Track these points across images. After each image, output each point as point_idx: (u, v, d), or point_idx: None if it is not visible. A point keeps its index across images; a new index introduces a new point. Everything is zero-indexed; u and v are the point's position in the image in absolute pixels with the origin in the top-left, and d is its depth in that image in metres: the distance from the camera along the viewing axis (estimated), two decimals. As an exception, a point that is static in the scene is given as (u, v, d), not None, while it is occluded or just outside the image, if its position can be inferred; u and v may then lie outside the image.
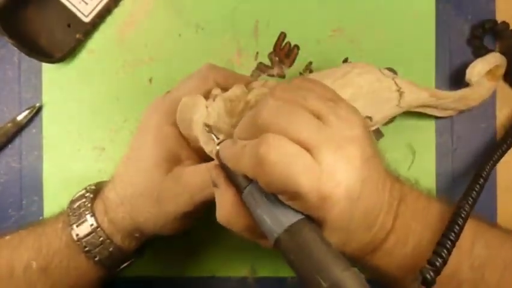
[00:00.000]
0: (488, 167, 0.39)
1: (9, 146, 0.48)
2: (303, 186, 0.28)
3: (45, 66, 0.48)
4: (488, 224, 0.38)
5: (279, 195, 0.29)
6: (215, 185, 0.33)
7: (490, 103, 0.46)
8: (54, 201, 0.47)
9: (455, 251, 0.33)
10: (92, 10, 0.47)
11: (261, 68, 0.47)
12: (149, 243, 0.43)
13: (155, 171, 0.38)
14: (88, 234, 0.39)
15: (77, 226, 0.39)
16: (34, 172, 0.48)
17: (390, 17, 0.47)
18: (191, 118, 0.38)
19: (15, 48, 0.46)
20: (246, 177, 0.31)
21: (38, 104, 0.48)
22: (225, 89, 0.38)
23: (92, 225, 0.39)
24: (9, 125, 0.48)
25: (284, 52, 0.47)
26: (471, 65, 0.44)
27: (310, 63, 0.47)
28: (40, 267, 0.39)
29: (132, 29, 0.48)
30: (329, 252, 0.28)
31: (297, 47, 0.47)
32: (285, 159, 0.28)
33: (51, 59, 0.47)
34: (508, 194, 0.46)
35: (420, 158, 0.46)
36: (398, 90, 0.41)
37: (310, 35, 0.47)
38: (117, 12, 0.48)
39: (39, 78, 0.48)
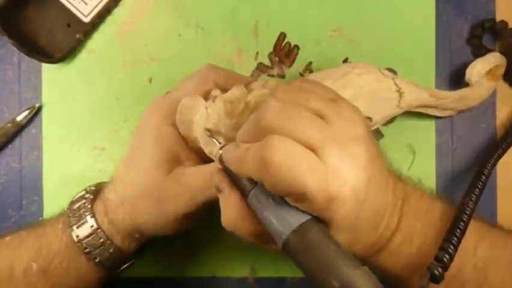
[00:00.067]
0: (490, 164, 0.39)
1: (9, 146, 0.48)
2: (310, 187, 0.28)
3: (45, 66, 0.48)
4: (490, 224, 0.38)
5: (285, 197, 0.29)
6: (219, 190, 0.33)
7: (490, 103, 0.46)
8: (54, 201, 0.47)
9: (458, 252, 0.33)
10: (92, 10, 0.47)
11: (261, 68, 0.47)
12: (149, 244, 0.43)
13: (155, 172, 0.38)
14: (88, 236, 0.39)
15: (77, 227, 0.39)
16: (34, 172, 0.48)
17: (390, 17, 0.47)
18: (191, 119, 0.38)
19: (15, 48, 0.46)
20: (250, 180, 0.31)
21: (37, 104, 0.48)
22: (224, 90, 0.38)
23: (92, 226, 0.39)
24: (9, 125, 0.48)
25: (284, 52, 0.47)
26: (471, 65, 0.43)
27: (310, 63, 0.47)
28: (40, 268, 0.39)
29: (132, 29, 0.48)
30: (339, 251, 0.27)
31: (297, 47, 0.47)
32: (290, 160, 0.28)
33: (51, 59, 0.47)
34: (508, 194, 0.46)
35: (420, 158, 0.46)
36: (398, 91, 0.41)
37: (310, 35, 0.47)
38: (117, 12, 0.48)
39: (39, 78, 0.48)
